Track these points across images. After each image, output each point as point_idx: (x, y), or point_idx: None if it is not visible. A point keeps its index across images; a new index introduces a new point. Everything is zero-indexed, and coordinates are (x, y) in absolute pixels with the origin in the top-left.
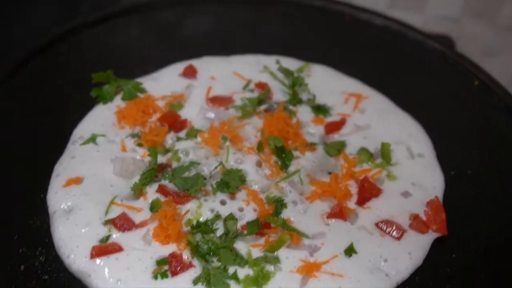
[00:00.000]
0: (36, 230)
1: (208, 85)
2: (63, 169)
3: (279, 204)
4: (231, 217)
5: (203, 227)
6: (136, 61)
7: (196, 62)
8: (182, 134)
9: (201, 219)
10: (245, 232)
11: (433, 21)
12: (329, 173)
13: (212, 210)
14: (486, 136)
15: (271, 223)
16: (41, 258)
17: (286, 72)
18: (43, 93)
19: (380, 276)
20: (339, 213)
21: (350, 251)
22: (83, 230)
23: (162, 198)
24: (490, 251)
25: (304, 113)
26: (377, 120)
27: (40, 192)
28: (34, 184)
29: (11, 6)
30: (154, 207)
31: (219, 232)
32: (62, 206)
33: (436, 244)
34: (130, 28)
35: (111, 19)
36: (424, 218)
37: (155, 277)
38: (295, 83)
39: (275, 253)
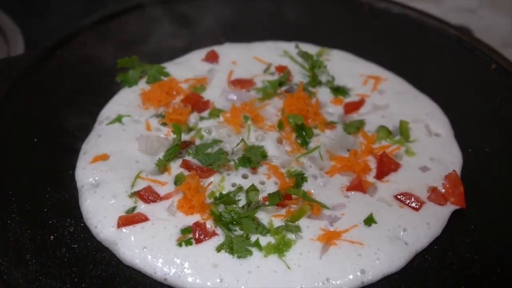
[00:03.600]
0: (65, 203)
1: (229, 69)
2: (90, 147)
3: (299, 178)
4: (253, 188)
5: (226, 198)
6: (160, 48)
7: (218, 48)
8: (205, 114)
9: (223, 192)
10: (267, 203)
11: (451, 13)
12: (348, 150)
13: (234, 184)
14: (503, 116)
15: (292, 194)
16: (70, 229)
17: (306, 55)
18: (70, 78)
19: (399, 244)
20: (358, 185)
21: (369, 221)
22: (109, 202)
23: (186, 173)
24: (507, 223)
25: (323, 94)
26: (395, 101)
27: (68, 169)
28: (62, 162)
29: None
30: (178, 180)
31: (241, 203)
32: (89, 180)
33: (454, 217)
34: (153, 18)
35: (135, 10)
36: (442, 191)
37: (180, 245)
38: (314, 66)
39: (296, 222)
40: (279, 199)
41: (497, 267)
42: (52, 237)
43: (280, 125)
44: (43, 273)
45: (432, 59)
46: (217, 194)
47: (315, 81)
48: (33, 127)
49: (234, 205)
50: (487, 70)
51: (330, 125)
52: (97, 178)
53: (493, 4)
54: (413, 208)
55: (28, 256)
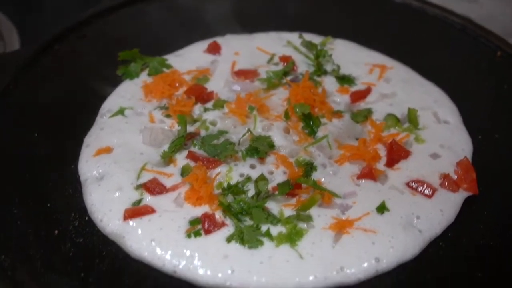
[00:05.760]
0: (69, 198)
1: (232, 59)
2: (93, 140)
3: (308, 167)
4: (262, 178)
5: (234, 189)
6: (161, 41)
7: (220, 40)
8: (209, 105)
9: (231, 182)
10: (276, 193)
11: (452, 3)
12: (357, 139)
13: (242, 174)
14: (510, 102)
15: (301, 183)
16: (74, 223)
17: (310, 45)
18: (70, 73)
19: (413, 232)
20: (369, 173)
21: (382, 208)
22: (115, 195)
23: (192, 164)
24: None
25: (329, 83)
26: (402, 89)
27: (71, 163)
28: (64, 156)
29: None
30: (184, 172)
31: (250, 193)
32: (93, 174)
33: (467, 204)
34: (153, 11)
35: (135, 3)
36: (454, 177)
37: (189, 236)
38: (319, 55)
39: (307, 211)
40: (289, 188)
41: None
42: (56, 231)
43: (287, 115)
44: (48, 269)
45: (437, 47)
46: (225, 185)
47: (320, 71)
48: (33, 122)
49: (243, 195)
50: (492, 57)
51: (337, 114)
52: (101, 171)
53: None
54: (425, 195)
55: (33, 252)
